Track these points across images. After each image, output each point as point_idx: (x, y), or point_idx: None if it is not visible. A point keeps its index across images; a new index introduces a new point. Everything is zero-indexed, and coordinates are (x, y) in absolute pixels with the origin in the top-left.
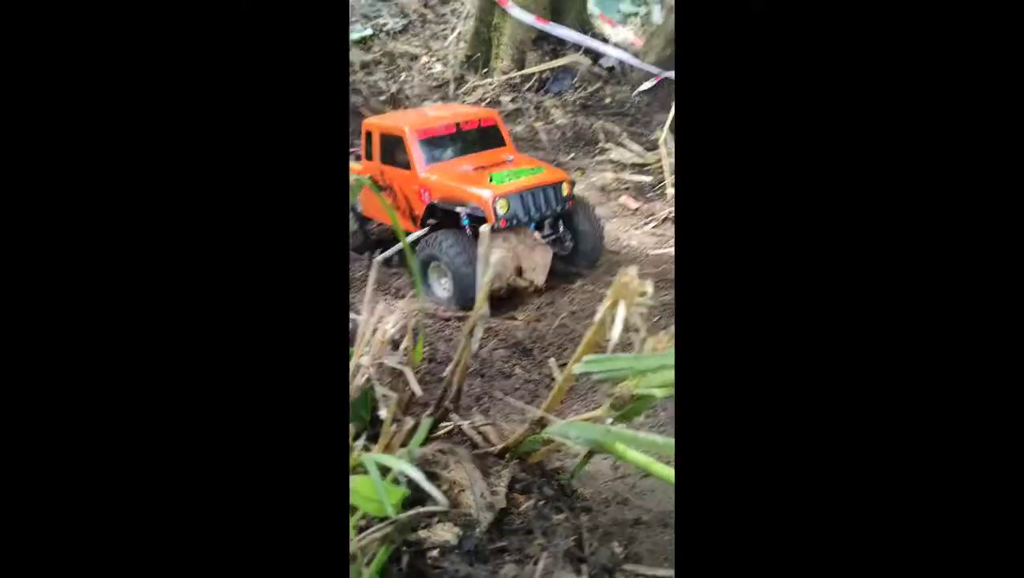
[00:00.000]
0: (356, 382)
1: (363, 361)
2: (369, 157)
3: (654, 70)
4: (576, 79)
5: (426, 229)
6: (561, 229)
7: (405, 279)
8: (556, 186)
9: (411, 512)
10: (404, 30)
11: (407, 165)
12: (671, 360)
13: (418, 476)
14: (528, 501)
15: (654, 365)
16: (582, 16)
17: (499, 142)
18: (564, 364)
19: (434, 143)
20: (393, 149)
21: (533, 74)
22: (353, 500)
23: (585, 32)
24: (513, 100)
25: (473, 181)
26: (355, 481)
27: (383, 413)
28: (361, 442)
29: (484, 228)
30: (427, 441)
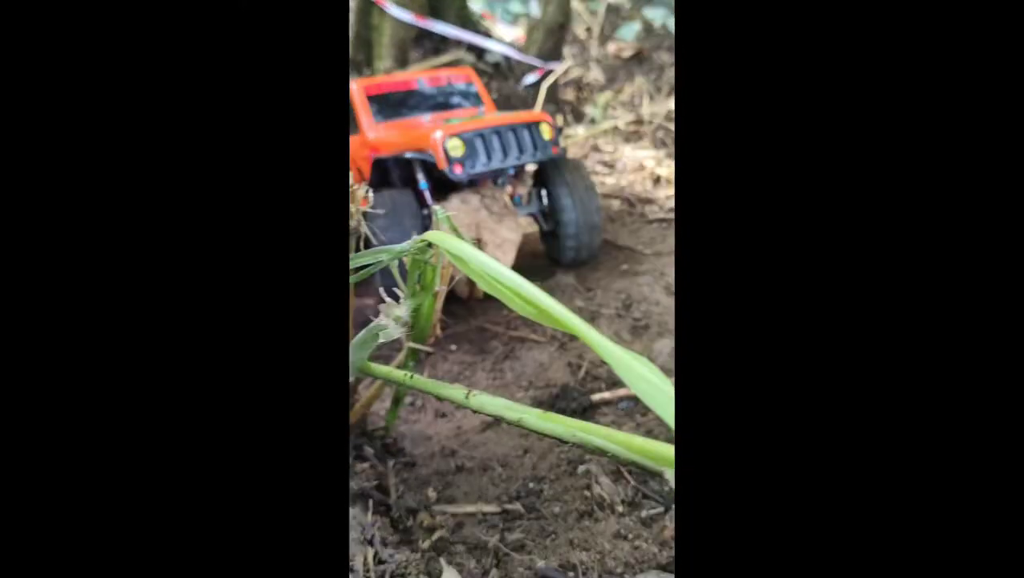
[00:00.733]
0: None
1: None
2: None
3: (537, 63)
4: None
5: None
6: (544, 201)
7: None
8: (531, 126)
9: None
10: None
11: (357, 129)
12: None
13: None
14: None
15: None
16: (463, 13)
17: (475, 102)
18: None
19: (387, 100)
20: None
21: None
22: None
23: (467, 28)
24: None
25: (425, 127)
26: None
27: None
28: None
29: (437, 208)
30: None
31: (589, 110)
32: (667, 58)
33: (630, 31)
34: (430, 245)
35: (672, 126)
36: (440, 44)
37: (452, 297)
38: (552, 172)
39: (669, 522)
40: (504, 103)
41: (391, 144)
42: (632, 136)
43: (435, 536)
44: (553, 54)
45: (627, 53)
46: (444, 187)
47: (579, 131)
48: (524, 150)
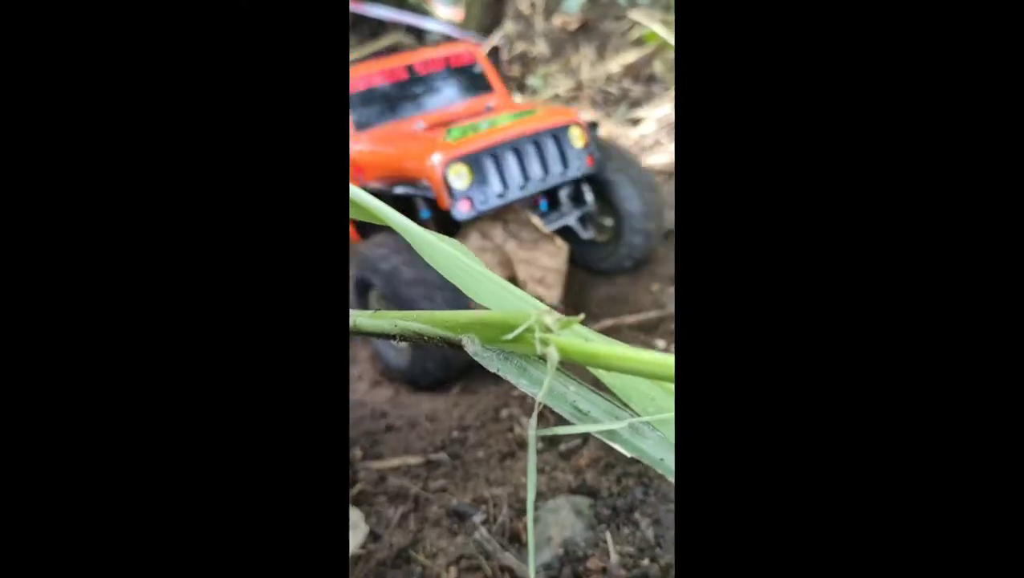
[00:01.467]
0: None
1: None
2: None
3: (477, 39)
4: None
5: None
6: (589, 201)
7: None
8: (558, 132)
9: None
10: None
11: None
12: None
13: None
14: None
15: None
16: None
17: (482, 87)
18: None
19: (372, 96)
20: None
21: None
22: None
23: (404, 10)
24: None
25: (419, 143)
26: None
27: None
28: None
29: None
30: None
31: (531, 81)
32: (613, 27)
33: (575, 3)
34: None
35: (611, 88)
36: (377, 28)
37: None
38: (597, 171)
39: (586, 452)
40: None
41: (378, 166)
42: (571, 101)
43: (355, 489)
44: (492, 28)
45: (573, 26)
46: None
47: (518, 100)
48: (550, 169)
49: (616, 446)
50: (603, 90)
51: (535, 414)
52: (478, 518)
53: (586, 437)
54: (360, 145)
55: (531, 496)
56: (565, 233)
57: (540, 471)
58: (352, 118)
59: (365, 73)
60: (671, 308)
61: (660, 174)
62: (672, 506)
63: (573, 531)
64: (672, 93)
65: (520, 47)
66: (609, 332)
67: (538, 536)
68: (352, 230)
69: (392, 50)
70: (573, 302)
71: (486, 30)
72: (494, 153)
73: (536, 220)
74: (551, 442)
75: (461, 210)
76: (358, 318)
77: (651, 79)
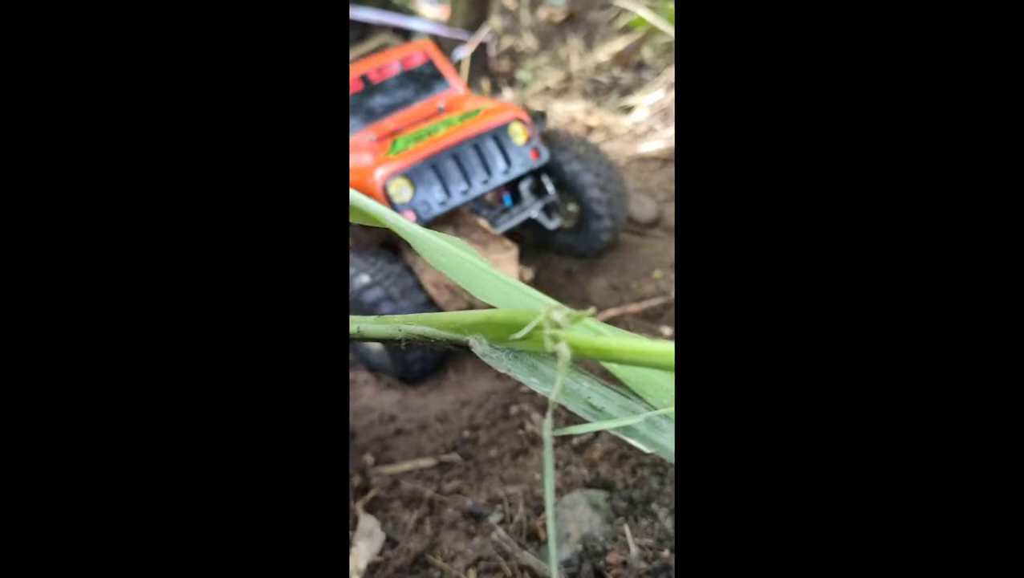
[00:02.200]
0: None
1: None
2: None
3: (464, 35)
4: None
5: None
6: (550, 192)
7: None
8: (498, 133)
9: None
10: None
11: None
12: None
13: None
14: None
15: None
16: None
17: (437, 85)
18: None
19: None
20: None
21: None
22: None
23: (389, 11)
24: None
25: (369, 160)
26: None
27: None
28: None
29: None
30: None
31: (521, 75)
32: (598, 16)
33: None
34: None
35: (601, 77)
36: (364, 30)
37: None
38: (550, 151)
39: (599, 445)
40: None
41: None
42: (562, 92)
43: (368, 496)
44: (478, 25)
45: (559, 18)
46: None
47: (508, 95)
48: (492, 169)
49: (634, 442)
50: (593, 80)
51: (549, 414)
52: (494, 518)
53: (599, 430)
54: None
55: (549, 497)
56: (530, 224)
57: (554, 466)
58: None
59: None
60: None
61: (655, 160)
62: None
63: (591, 526)
64: (663, 79)
65: (507, 42)
66: (613, 322)
67: (556, 533)
68: None
69: (379, 52)
70: (574, 293)
71: (472, 26)
72: (433, 163)
73: (483, 222)
74: (563, 437)
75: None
76: (362, 324)
77: (641, 66)
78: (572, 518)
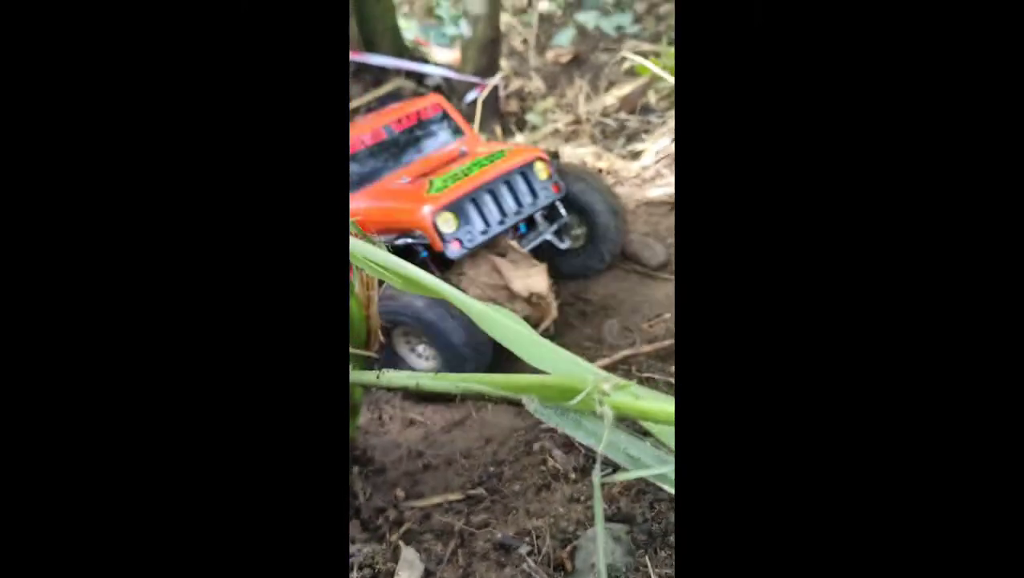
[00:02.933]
0: None
1: None
2: None
3: (475, 79)
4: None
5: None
6: (563, 214)
7: None
8: (525, 170)
9: None
10: None
11: None
12: None
13: None
14: None
15: None
16: (397, 43)
17: (453, 133)
18: None
19: (359, 159)
20: None
21: (359, 107)
22: None
23: (403, 57)
24: None
25: (408, 197)
26: None
27: None
28: None
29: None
30: None
31: (531, 118)
32: (603, 57)
33: (566, 37)
34: None
35: (608, 121)
36: (379, 75)
37: None
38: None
39: (618, 480)
40: None
41: (375, 222)
42: (571, 136)
43: (403, 529)
44: (489, 69)
45: (565, 59)
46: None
47: (520, 138)
48: (522, 202)
49: (665, 487)
50: (600, 122)
51: (598, 465)
52: (524, 550)
53: (617, 466)
54: (357, 203)
55: (600, 538)
56: (544, 247)
57: (576, 501)
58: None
59: (352, 136)
60: None
61: (663, 205)
62: None
63: (614, 557)
64: (669, 124)
65: (516, 83)
66: (626, 362)
67: (582, 563)
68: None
69: (393, 96)
70: (589, 334)
71: (483, 70)
72: (473, 198)
73: (514, 243)
74: (583, 473)
75: (453, 249)
76: (420, 380)
77: (646, 109)
78: (596, 549)
